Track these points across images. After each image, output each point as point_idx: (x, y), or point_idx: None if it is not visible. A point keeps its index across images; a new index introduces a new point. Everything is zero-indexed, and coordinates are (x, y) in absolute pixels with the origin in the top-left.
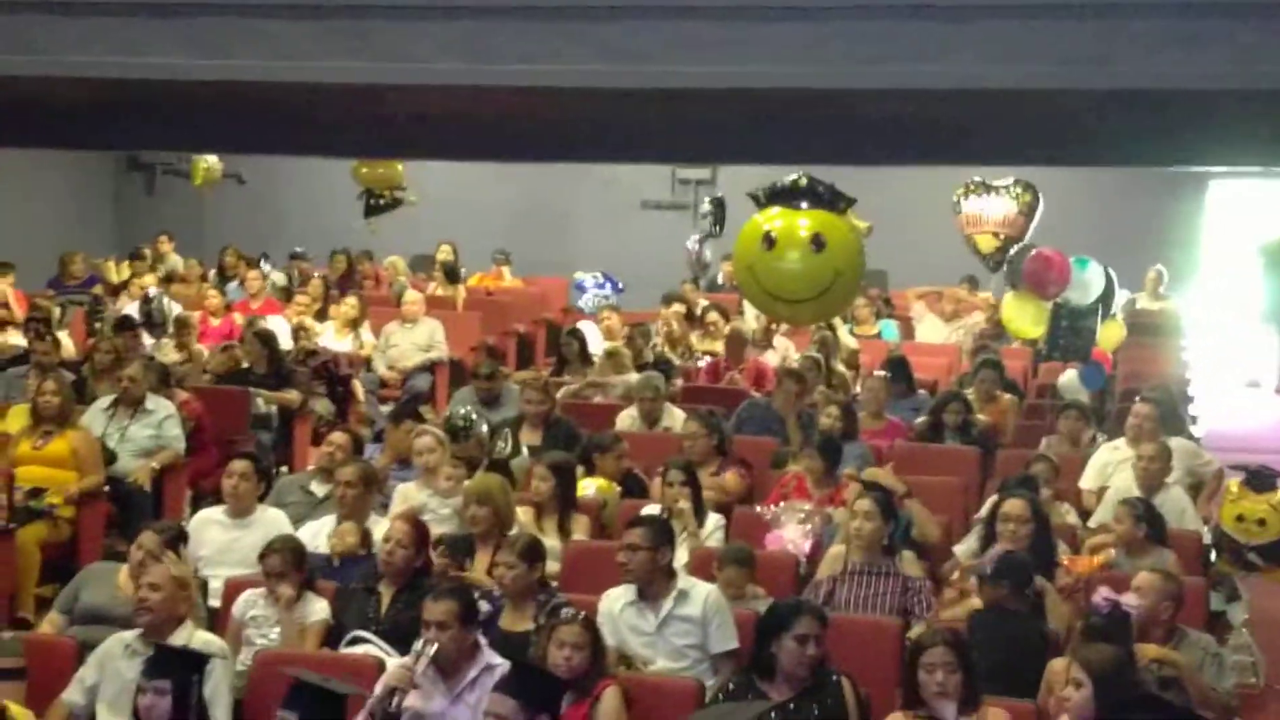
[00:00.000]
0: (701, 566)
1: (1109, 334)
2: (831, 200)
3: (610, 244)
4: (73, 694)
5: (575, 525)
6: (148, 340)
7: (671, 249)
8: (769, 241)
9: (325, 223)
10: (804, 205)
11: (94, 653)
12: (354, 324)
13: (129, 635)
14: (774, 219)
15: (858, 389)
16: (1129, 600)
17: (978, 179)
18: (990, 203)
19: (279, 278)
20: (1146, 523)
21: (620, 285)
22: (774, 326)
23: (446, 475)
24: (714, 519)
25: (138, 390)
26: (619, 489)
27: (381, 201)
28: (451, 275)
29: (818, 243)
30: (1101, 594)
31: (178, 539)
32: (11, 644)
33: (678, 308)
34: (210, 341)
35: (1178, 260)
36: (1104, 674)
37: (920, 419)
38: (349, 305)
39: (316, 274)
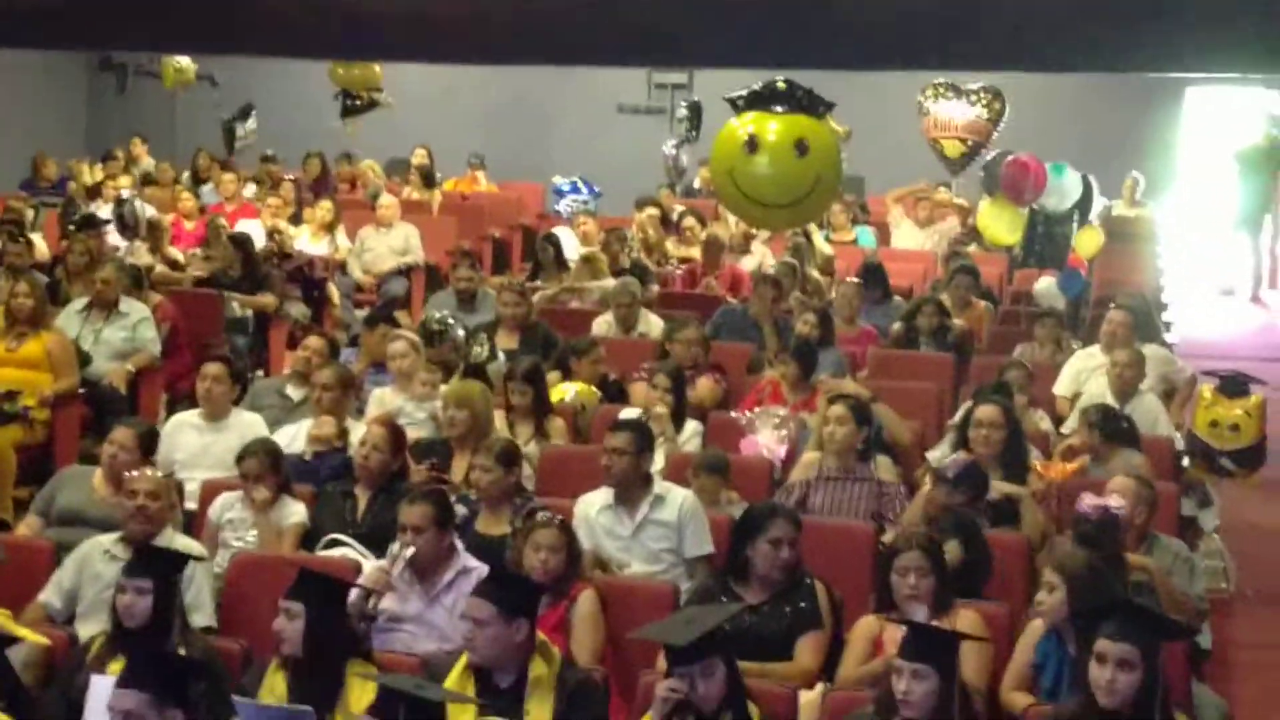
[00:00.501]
0: (677, 471)
1: (1087, 241)
2: (811, 105)
3: (587, 149)
4: (50, 595)
5: (551, 428)
6: (121, 243)
7: (648, 154)
8: (751, 145)
9: (300, 125)
10: (783, 110)
11: (71, 555)
12: (329, 228)
13: (107, 539)
14: (754, 123)
15: (832, 295)
16: (1115, 503)
17: (944, 82)
18: (957, 107)
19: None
20: (1101, 429)
21: (598, 190)
22: (753, 233)
23: (422, 380)
24: (691, 425)
25: (111, 292)
26: (598, 394)
27: (358, 103)
28: (427, 179)
29: (800, 147)
30: (1088, 500)
31: (149, 437)
32: None
33: (651, 212)
34: (184, 245)
35: (1154, 168)
36: (1077, 578)
37: (895, 324)
38: (323, 209)
39: (289, 177)
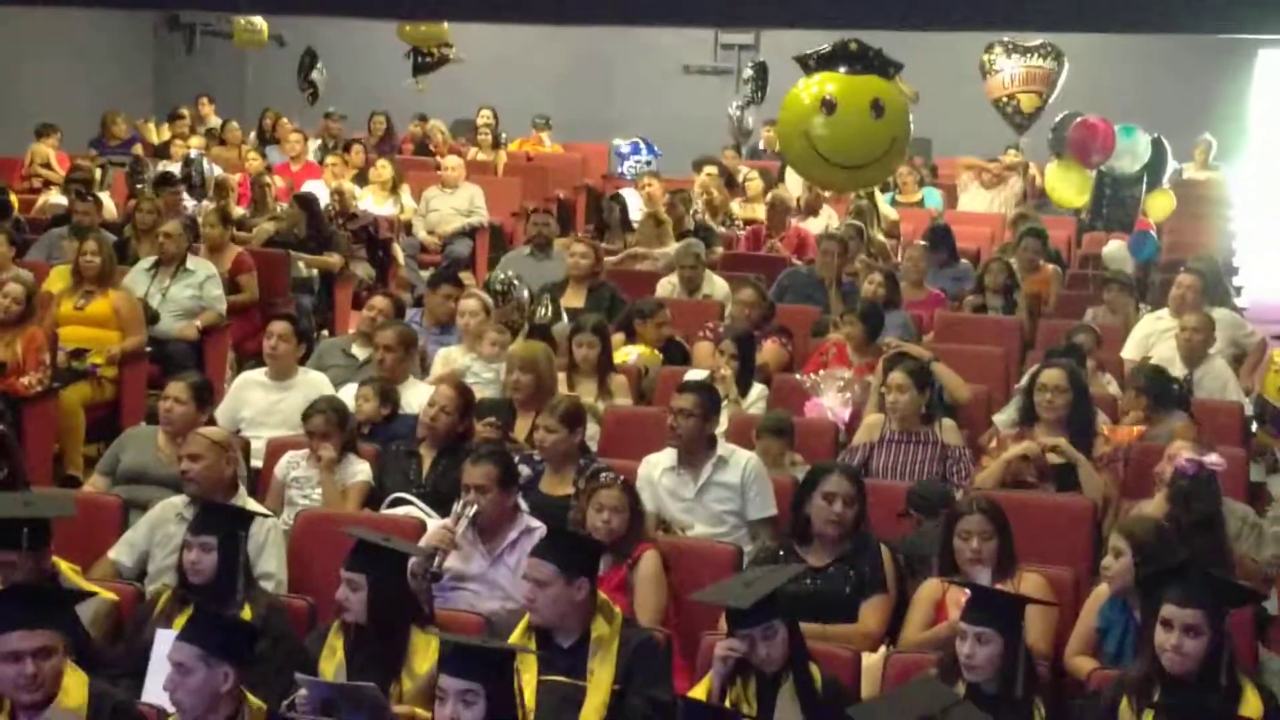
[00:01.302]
0: (741, 434)
1: (1159, 204)
2: (881, 66)
3: (652, 110)
4: (120, 553)
5: (615, 385)
6: (189, 202)
7: (714, 115)
8: (828, 106)
9: (366, 85)
10: (854, 70)
11: (145, 516)
12: (391, 188)
13: (179, 500)
14: (827, 84)
15: (897, 259)
16: (1213, 460)
17: (1006, 41)
18: (1021, 63)
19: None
20: (1147, 393)
21: (657, 150)
22: (822, 194)
23: (491, 340)
24: (758, 389)
25: (174, 247)
26: (660, 356)
27: (429, 59)
28: (493, 140)
29: (877, 108)
30: (1184, 456)
31: (203, 389)
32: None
33: (710, 170)
34: (249, 205)
35: (1225, 131)
36: (1145, 544)
37: (969, 294)
38: (381, 169)
39: (354, 137)
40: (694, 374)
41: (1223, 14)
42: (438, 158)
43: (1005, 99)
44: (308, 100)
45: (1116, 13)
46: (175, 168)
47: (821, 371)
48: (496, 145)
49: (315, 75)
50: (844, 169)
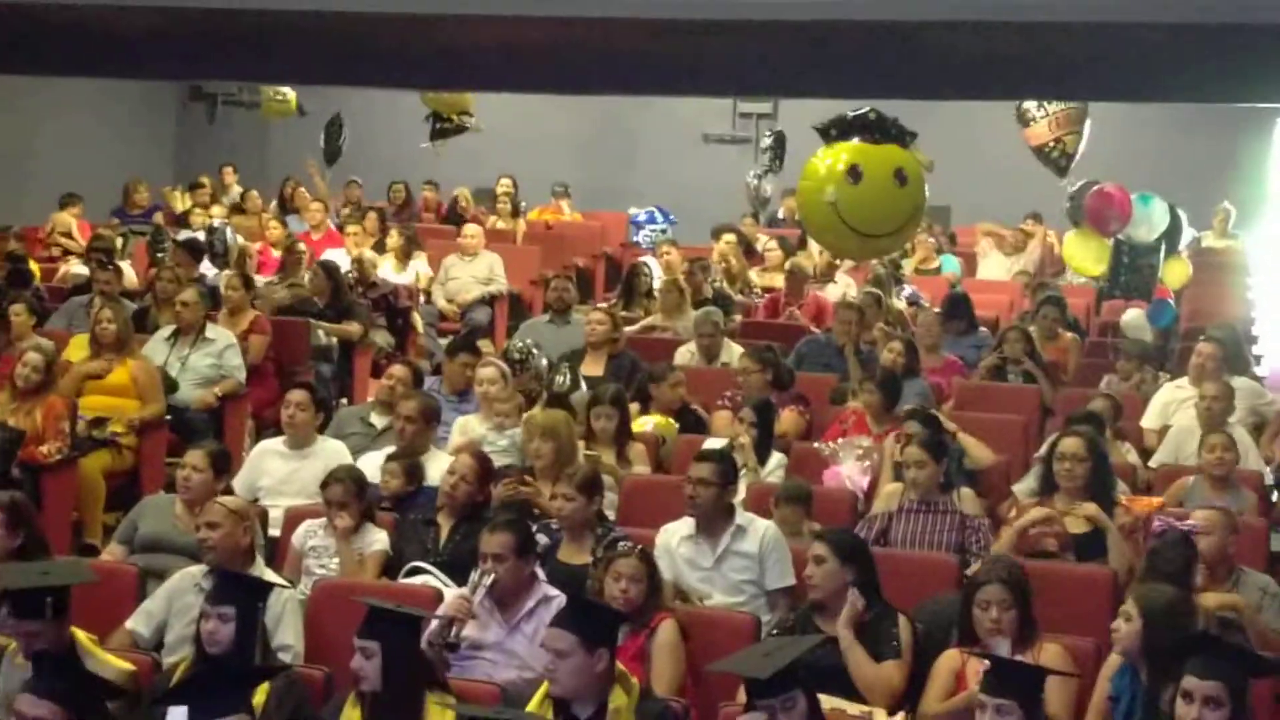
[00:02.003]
0: (759, 502)
1: (1175, 272)
2: (899, 134)
3: (671, 178)
4: (137, 623)
5: (633, 454)
6: (210, 270)
7: (732, 183)
8: (855, 175)
9: (386, 154)
10: (874, 139)
11: (163, 586)
12: (403, 255)
13: (198, 570)
14: (851, 153)
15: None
16: (1187, 522)
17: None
18: (1057, 105)
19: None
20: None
21: (672, 218)
22: (837, 262)
23: (498, 410)
24: (776, 458)
25: (192, 316)
26: (676, 425)
27: (448, 125)
28: (513, 209)
29: (900, 177)
30: (1157, 520)
31: (222, 457)
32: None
33: (728, 238)
34: (269, 273)
35: (1245, 198)
36: (1156, 611)
37: (986, 358)
38: (392, 236)
39: (373, 205)
40: (712, 442)
41: (1242, 83)
42: (466, 225)
43: (1051, 144)
44: (325, 163)
45: (1140, 83)
46: (197, 236)
47: (840, 440)
48: (516, 213)
49: (343, 142)
50: (867, 237)
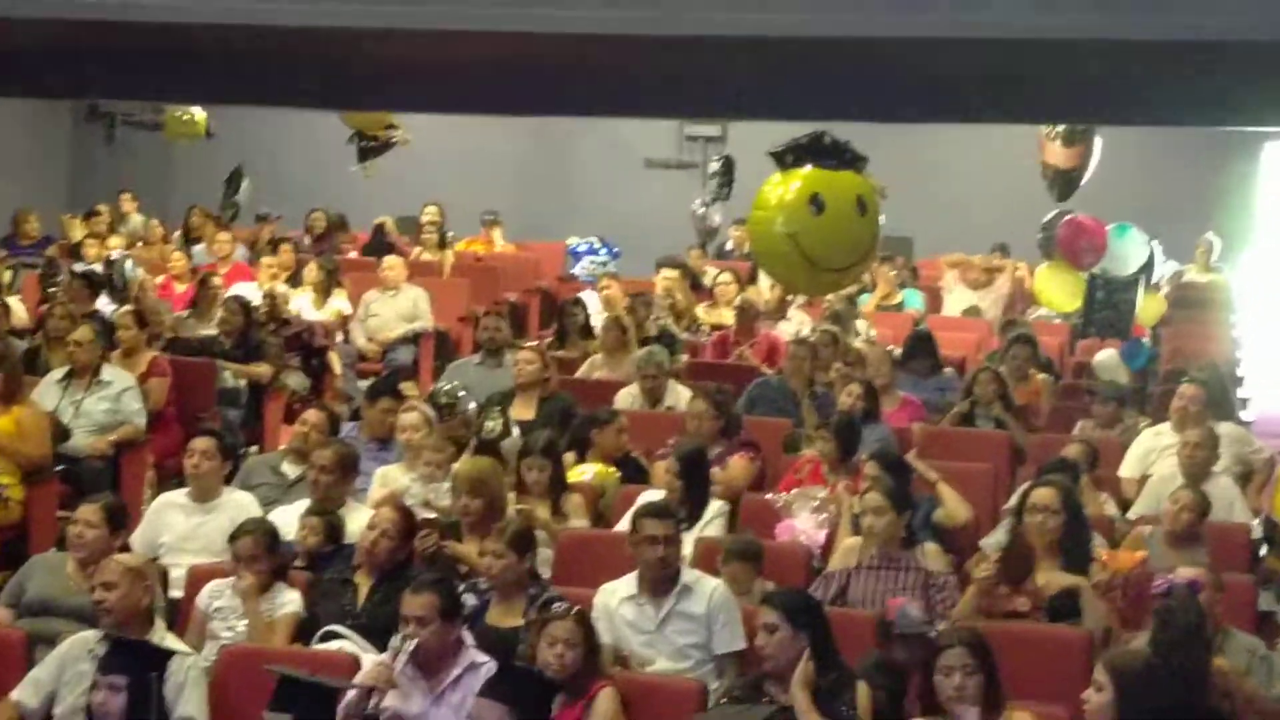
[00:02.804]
0: (706, 558)
1: (1148, 308)
2: (853, 160)
3: (612, 206)
4: (24, 693)
5: (570, 506)
6: (108, 306)
7: (677, 212)
8: (818, 205)
9: (302, 179)
10: (827, 165)
11: (54, 653)
12: (323, 290)
13: (92, 635)
14: (809, 180)
15: None
16: (1183, 572)
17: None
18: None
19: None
20: (1201, 514)
21: (617, 250)
22: (790, 298)
23: (426, 460)
24: (714, 506)
25: (86, 356)
26: (618, 474)
27: (375, 144)
28: (440, 239)
29: (861, 205)
30: (1160, 579)
31: (117, 512)
32: None
33: (668, 273)
34: (175, 309)
35: (1229, 229)
36: (1129, 677)
37: (955, 402)
38: (311, 269)
39: (288, 235)
40: (650, 494)
41: (1224, 105)
42: (387, 257)
43: (1073, 168)
44: (226, 217)
45: (1118, 105)
46: (94, 269)
47: (794, 490)
48: (443, 244)
49: (240, 196)
50: (826, 271)
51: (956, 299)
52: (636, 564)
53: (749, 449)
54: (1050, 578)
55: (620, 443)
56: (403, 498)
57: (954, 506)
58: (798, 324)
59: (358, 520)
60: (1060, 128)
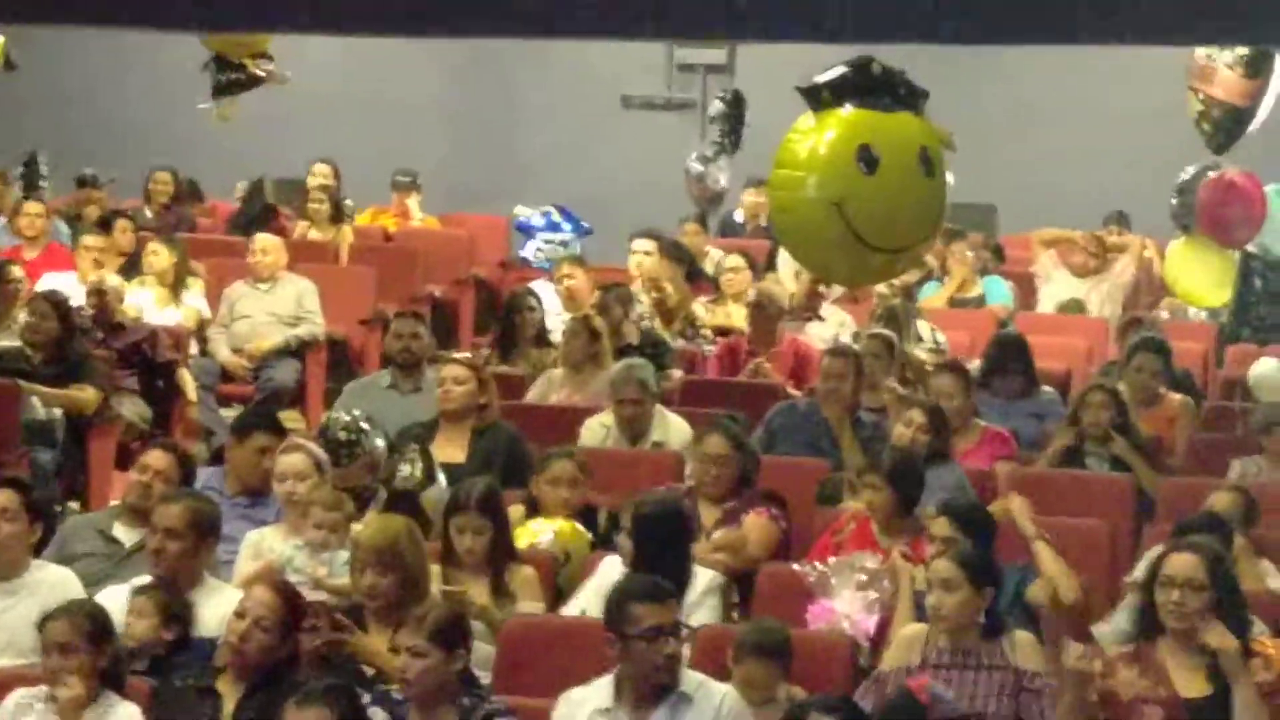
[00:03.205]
0: (711, 654)
1: None
2: (910, 97)
3: (576, 164)
4: None
5: (517, 582)
6: None
7: (668, 171)
8: (869, 160)
9: (142, 129)
10: (875, 105)
11: None
12: (173, 284)
13: None
14: (855, 126)
15: None
16: None
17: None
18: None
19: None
20: None
21: (586, 226)
22: (824, 289)
23: (318, 521)
24: (703, 580)
25: None
26: (587, 534)
27: (237, 76)
28: (334, 210)
29: (925, 161)
30: None
31: None
32: None
33: (644, 247)
34: None
35: None
36: None
37: (1059, 435)
38: (154, 254)
39: (120, 207)
40: (612, 562)
41: None
42: (258, 236)
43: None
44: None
45: (1253, 21)
46: None
47: (833, 560)
48: (339, 218)
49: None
50: (882, 253)
51: (1057, 289)
52: (616, 664)
53: (771, 504)
54: (1192, 678)
55: (574, 497)
56: (283, 573)
57: (1058, 578)
58: (836, 326)
59: (219, 604)
60: (1241, 52)
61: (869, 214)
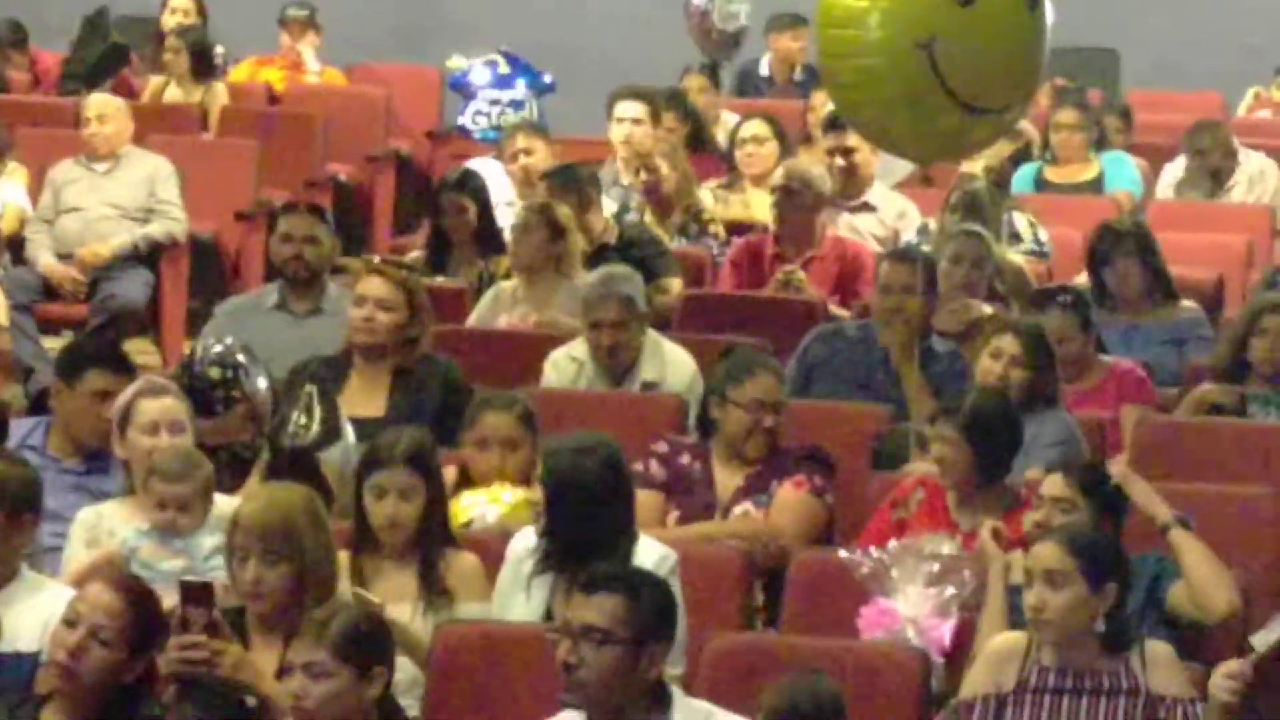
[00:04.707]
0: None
1: None
2: None
3: None
4: None
5: (455, 574)
6: None
7: (660, 5)
8: None
9: None
10: None
11: None
12: None
13: None
14: None
15: None
16: None
17: None
18: None
19: None
20: None
21: (547, 79)
22: (873, 161)
23: (163, 495)
24: (650, 558)
25: None
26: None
27: None
28: (197, 61)
29: None
30: None
31: None
32: None
33: (629, 110)
34: None
35: None
36: None
37: (1204, 367)
38: None
39: None
40: (524, 536)
41: None
42: (91, 96)
43: None
44: None
45: None
46: None
47: (895, 544)
48: (206, 71)
49: None
50: (984, 115)
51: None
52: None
53: (812, 469)
54: None
55: (518, 462)
56: (130, 564)
57: (1205, 589)
58: (894, 218)
59: (39, 608)
60: None
61: (964, 60)
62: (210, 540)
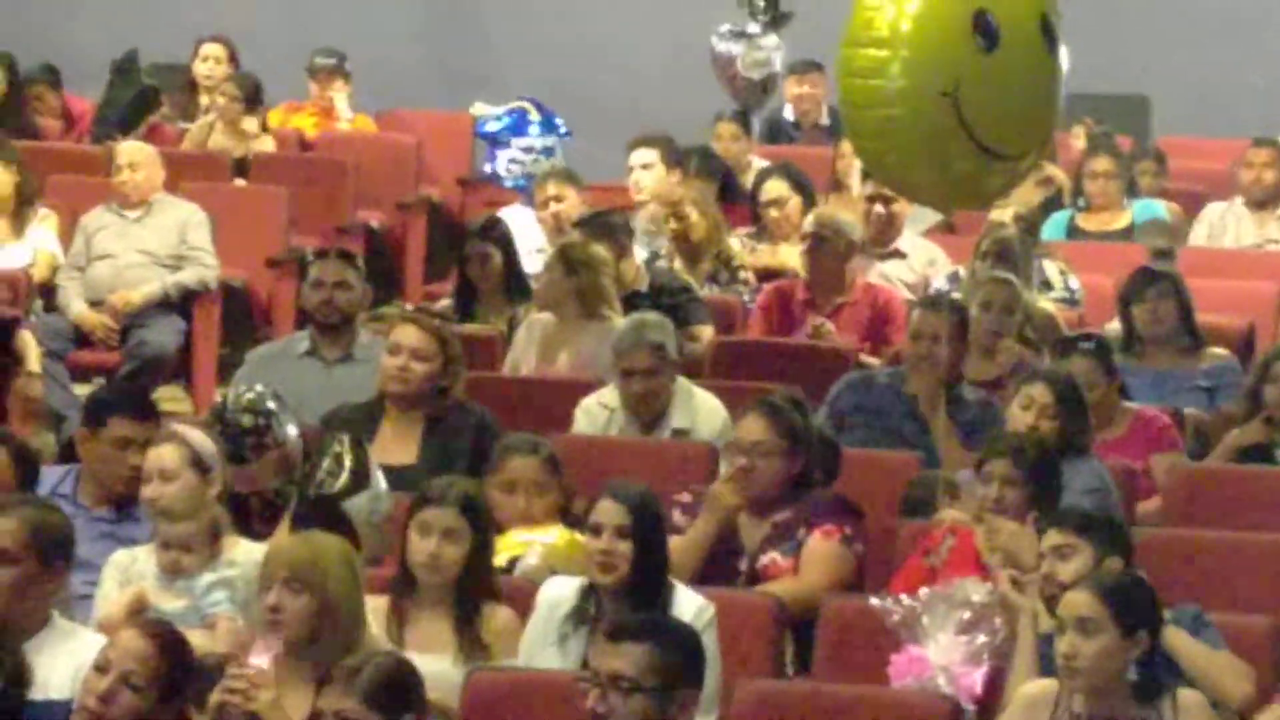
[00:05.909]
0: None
1: None
2: None
3: (563, 42)
4: None
5: (491, 629)
6: None
7: (689, 49)
8: (988, 33)
9: None
10: None
11: None
12: (14, 214)
13: None
14: None
15: None
16: None
17: None
18: None
19: None
20: None
21: (562, 127)
22: (900, 210)
23: (168, 535)
24: (688, 609)
25: None
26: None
27: None
28: (255, 93)
29: (1047, 33)
30: None
31: None
32: None
33: (641, 157)
34: None
35: None
36: None
37: (1234, 413)
38: None
39: None
40: (557, 585)
41: None
42: (120, 144)
43: None
44: None
45: None
46: None
47: (926, 591)
48: (257, 101)
49: None
50: (1003, 163)
51: (1235, 217)
52: None
53: (842, 519)
54: None
55: (536, 500)
56: (158, 611)
57: (1220, 677)
58: (924, 265)
59: (72, 655)
60: None
61: (988, 106)
62: (210, 576)
